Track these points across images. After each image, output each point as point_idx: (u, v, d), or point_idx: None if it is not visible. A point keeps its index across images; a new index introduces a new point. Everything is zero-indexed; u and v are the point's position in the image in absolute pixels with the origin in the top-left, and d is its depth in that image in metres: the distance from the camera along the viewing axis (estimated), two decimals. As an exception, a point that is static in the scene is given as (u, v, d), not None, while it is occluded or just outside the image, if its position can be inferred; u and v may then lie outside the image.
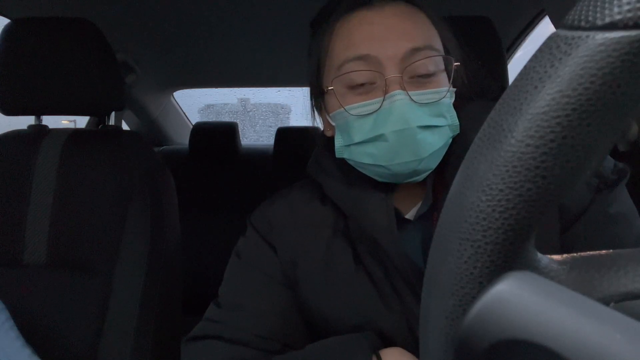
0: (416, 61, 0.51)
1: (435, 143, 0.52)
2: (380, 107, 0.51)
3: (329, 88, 0.55)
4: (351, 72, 0.53)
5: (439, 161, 0.55)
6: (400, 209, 0.59)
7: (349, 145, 0.56)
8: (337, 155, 0.58)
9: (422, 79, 0.52)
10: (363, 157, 0.54)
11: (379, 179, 0.56)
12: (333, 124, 0.58)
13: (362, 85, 0.53)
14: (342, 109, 0.54)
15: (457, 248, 0.20)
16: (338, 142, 0.57)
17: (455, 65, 0.55)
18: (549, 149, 0.18)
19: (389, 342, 0.54)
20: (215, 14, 1.32)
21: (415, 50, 0.52)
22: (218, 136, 1.95)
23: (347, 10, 0.56)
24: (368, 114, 0.52)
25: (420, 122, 0.51)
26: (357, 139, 0.54)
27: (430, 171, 0.55)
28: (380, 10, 0.54)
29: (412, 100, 0.51)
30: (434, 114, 0.52)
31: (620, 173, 0.53)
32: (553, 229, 0.53)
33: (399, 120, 0.50)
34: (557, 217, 0.53)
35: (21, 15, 0.94)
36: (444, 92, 0.53)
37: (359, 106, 0.53)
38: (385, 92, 0.51)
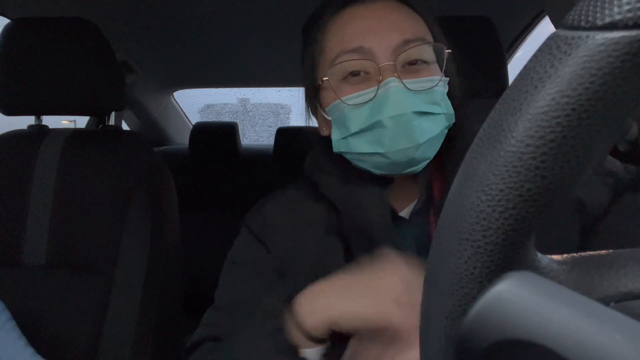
0: (408, 49, 0.52)
1: (431, 130, 0.53)
2: (376, 95, 0.52)
3: (324, 79, 0.56)
4: (344, 61, 0.54)
5: (436, 151, 0.55)
6: (396, 207, 0.59)
7: (345, 137, 0.56)
8: (335, 149, 0.58)
9: (415, 67, 0.53)
10: (361, 146, 0.55)
11: (377, 171, 0.56)
12: (329, 118, 0.58)
13: (356, 75, 0.54)
14: (338, 100, 0.54)
15: (457, 248, 0.20)
16: (335, 135, 0.58)
17: (447, 53, 0.55)
18: (549, 149, 0.18)
19: None
20: (215, 14, 1.32)
21: (407, 42, 0.53)
22: (218, 136, 1.95)
23: (338, 8, 0.57)
24: (364, 103, 0.53)
25: (415, 107, 0.51)
26: (353, 129, 0.54)
27: (427, 161, 0.55)
28: (371, 4, 0.55)
29: (406, 87, 0.52)
30: (428, 102, 0.53)
31: (635, 173, 0.54)
32: (572, 232, 0.53)
33: (395, 106, 0.51)
34: (575, 221, 0.53)
35: (21, 15, 0.94)
36: (436, 81, 0.54)
37: (354, 96, 0.54)
38: (380, 81, 0.52)
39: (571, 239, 0.53)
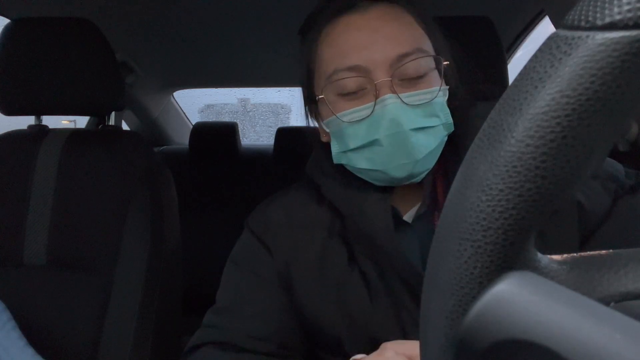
0: (405, 63, 0.51)
1: (430, 144, 0.52)
2: (372, 112, 0.52)
3: (320, 96, 0.55)
4: (341, 79, 0.53)
5: (435, 160, 0.55)
6: (399, 210, 0.59)
7: (345, 152, 0.56)
8: (335, 161, 0.58)
9: (413, 81, 0.52)
10: (360, 162, 0.55)
11: (378, 183, 0.56)
12: (327, 130, 0.58)
13: (353, 92, 0.53)
14: (334, 116, 0.54)
15: (457, 248, 0.20)
16: (334, 148, 0.58)
17: (445, 64, 0.55)
18: (549, 149, 0.18)
19: (379, 344, 0.54)
20: (215, 14, 1.32)
21: (404, 56, 0.52)
22: (218, 136, 1.95)
23: (332, 16, 0.56)
24: (361, 120, 0.53)
25: (412, 124, 0.51)
26: (352, 145, 0.54)
27: (427, 171, 0.55)
28: (364, 12, 0.54)
29: (404, 102, 0.51)
30: (427, 115, 0.52)
31: (636, 177, 0.55)
32: (572, 236, 0.53)
33: (392, 124, 0.50)
34: (576, 224, 0.53)
35: (21, 15, 0.94)
36: (435, 92, 0.53)
37: (350, 112, 0.53)
38: (376, 97, 0.51)
39: (572, 243, 0.53)
